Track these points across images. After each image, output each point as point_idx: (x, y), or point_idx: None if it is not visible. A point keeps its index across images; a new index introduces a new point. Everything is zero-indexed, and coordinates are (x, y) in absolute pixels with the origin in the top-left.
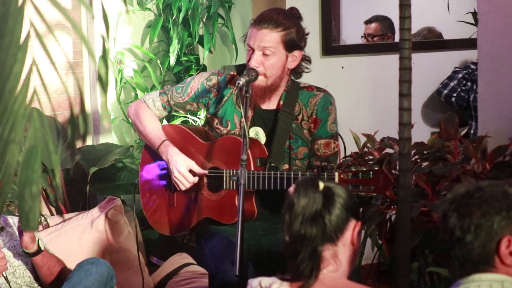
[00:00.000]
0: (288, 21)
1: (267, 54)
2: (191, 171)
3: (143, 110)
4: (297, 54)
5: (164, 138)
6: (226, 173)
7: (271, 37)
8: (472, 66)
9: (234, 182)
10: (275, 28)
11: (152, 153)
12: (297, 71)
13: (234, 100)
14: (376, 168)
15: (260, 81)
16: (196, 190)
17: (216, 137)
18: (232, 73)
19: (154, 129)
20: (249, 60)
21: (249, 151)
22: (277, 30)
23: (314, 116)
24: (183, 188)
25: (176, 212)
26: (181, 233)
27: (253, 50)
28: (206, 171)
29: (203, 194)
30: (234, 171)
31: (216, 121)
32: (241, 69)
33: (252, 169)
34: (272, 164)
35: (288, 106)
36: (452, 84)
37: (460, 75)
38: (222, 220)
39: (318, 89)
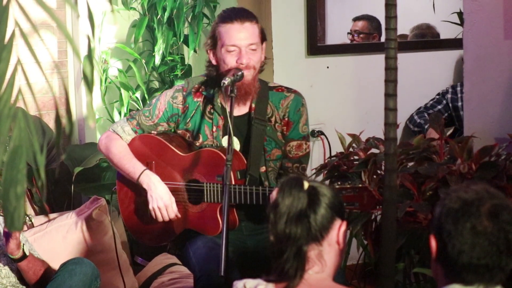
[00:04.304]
0: (253, 14)
1: (254, 49)
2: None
3: (114, 142)
4: (264, 46)
5: (144, 168)
6: (206, 186)
7: (254, 31)
8: (450, 91)
9: (215, 196)
10: (253, 20)
11: None
12: (261, 65)
13: (203, 112)
14: (360, 185)
15: (251, 75)
16: (177, 202)
17: (193, 149)
18: (196, 85)
19: (130, 160)
20: (238, 60)
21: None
22: (255, 22)
23: (286, 119)
24: (159, 220)
25: (157, 223)
26: (162, 244)
27: (239, 49)
28: (179, 215)
29: (184, 206)
30: (214, 184)
31: (187, 135)
32: (205, 79)
33: (233, 182)
34: (252, 176)
35: (260, 112)
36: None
37: (435, 109)
38: (204, 233)
39: (288, 90)
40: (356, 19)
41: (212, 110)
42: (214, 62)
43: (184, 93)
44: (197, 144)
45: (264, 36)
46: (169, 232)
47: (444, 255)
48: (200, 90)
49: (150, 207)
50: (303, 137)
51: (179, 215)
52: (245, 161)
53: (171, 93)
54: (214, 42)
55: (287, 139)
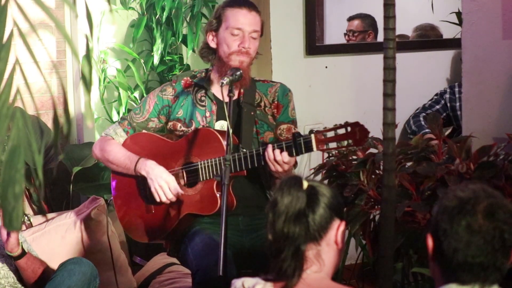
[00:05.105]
0: None
1: (255, 38)
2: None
3: (107, 142)
4: (260, 39)
5: (138, 157)
6: (200, 164)
7: (258, 20)
8: (448, 91)
9: (209, 171)
10: (258, 12)
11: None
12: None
13: (194, 99)
14: (351, 122)
15: (246, 62)
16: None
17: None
18: (185, 78)
19: (124, 154)
20: (240, 44)
21: (221, 139)
22: (259, 14)
23: (276, 102)
24: (163, 200)
25: (155, 217)
26: (162, 237)
27: (243, 33)
28: (182, 191)
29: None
30: (208, 161)
31: (179, 124)
32: (194, 74)
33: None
34: (244, 150)
35: (249, 97)
36: (424, 124)
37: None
38: (203, 213)
39: (273, 81)
40: (350, 19)
41: (203, 98)
42: (213, 45)
43: (174, 84)
44: (189, 131)
45: (262, 31)
46: (167, 222)
47: (440, 254)
48: (189, 81)
49: (152, 189)
50: (292, 121)
51: (181, 191)
52: (236, 139)
53: (159, 88)
54: (218, 24)
55: (278, 122)
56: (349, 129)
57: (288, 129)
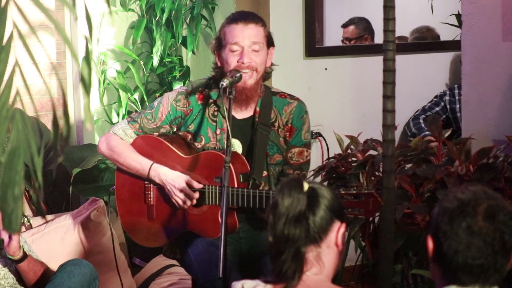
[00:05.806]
0: (261, 18)
1: (257, 50)
2: (190, 186)
3: (116, 142)
4: (271, 51)
5: (151, 162)
6: (208, 188)
7: (259, 32)
8: (448, 93)
9: (216, 198)
10: (259, 22)
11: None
12: (267, 71)
13: (207, 114)
14: (366, 191)
15: (253, 79)
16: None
17: (193, 150)
18: (200, 88)
19: (136, 158)
20: (239, 59)
21: (232, 167)
22: (261, 25)
23: (289, 125)
24: (188, 205)
25: (156, 224)
26: (160, 245)
27: (241, 48)
28: (201, 185)
29: (184, 208)
30: (216, 187)
31: (189, 137)
32: (208, 82)
33: (236, 186)
34: (255, 181)
35: (264, 116)
36: (424, 127)
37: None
38: (204, 235)
39: (291, 97)
40: (344, 26)
41: (216, 113)
42: (219, 63)
43: (188, 95)
44: (199, 146)
45: (270, 42)
46: (167, 233)
47: (440, 255)
48: (204, 93)
49: (173, 200)
50: (305, 144)
51: (200, 185)
52: (248, 165)
53: (173, 95)
54: (219, 43)
55: (289, 146)
56: (363, 197)
57: (300, 152)
